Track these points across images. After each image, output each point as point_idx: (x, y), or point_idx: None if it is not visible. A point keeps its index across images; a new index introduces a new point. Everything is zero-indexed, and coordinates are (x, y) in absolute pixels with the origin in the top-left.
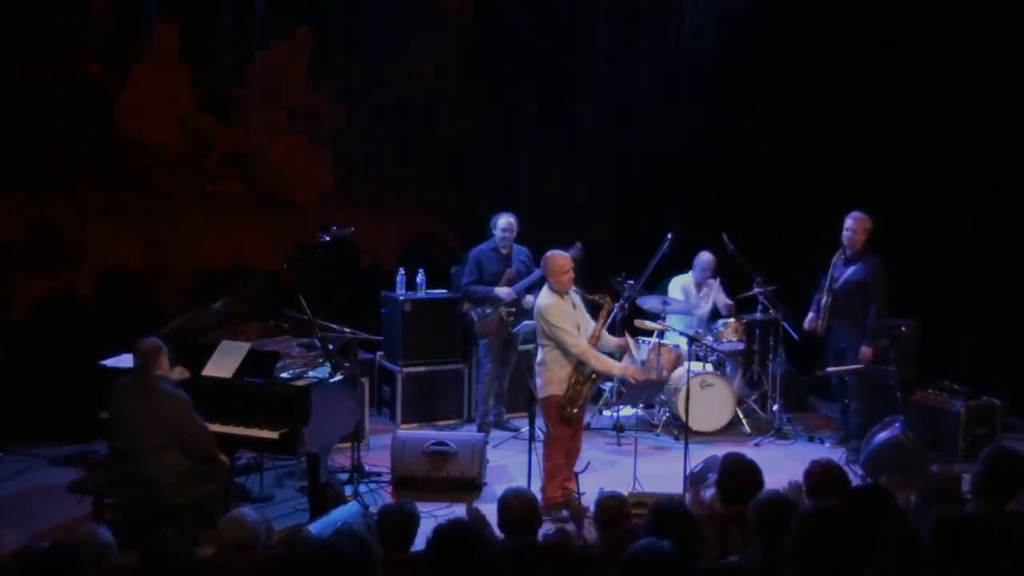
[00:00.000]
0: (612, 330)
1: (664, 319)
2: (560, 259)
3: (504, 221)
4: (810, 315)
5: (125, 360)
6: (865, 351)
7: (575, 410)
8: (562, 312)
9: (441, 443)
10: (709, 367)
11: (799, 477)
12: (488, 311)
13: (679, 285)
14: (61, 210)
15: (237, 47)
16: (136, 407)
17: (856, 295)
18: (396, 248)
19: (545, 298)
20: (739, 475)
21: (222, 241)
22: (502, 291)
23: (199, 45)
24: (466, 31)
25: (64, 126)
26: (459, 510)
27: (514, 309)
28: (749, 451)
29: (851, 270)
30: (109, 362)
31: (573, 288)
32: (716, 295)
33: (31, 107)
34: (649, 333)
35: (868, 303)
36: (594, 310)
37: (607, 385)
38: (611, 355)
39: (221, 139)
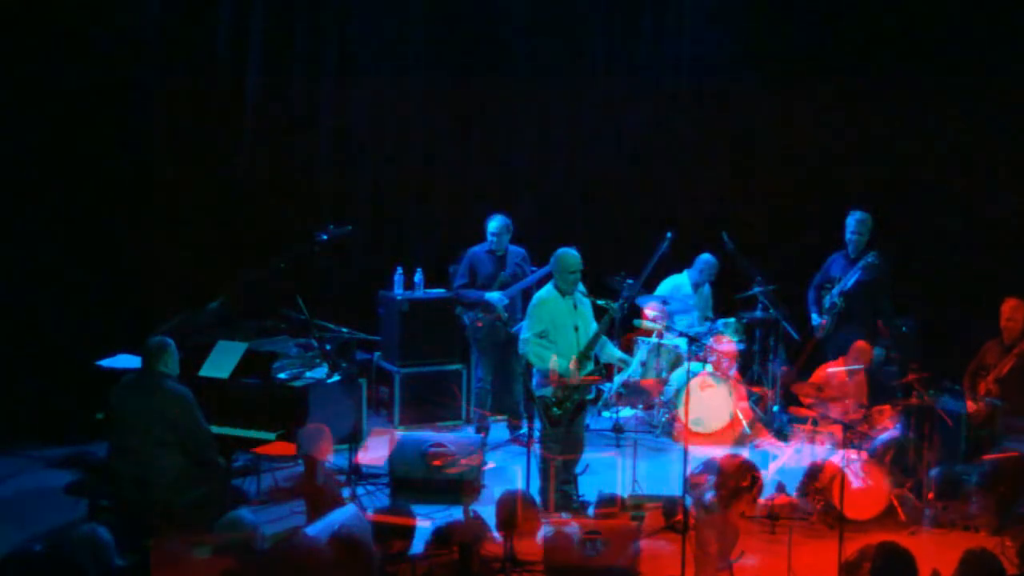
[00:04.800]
0: (610, 333)
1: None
2: (570, 258)
3: (496, 223)
4: (818, 320)
5: (122, 360)
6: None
7: (560, 411)
8: (549, 311)
9: (439, 444)
10: (709, 368)
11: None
12: (480, 316)
13: (673, 285)
14: None
15: None
16: (140, 405)
17: (864, 297)
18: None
19: (543, 293)
20: (738, 477)
21: None
22: (494, 296)
23: None
24: None
25: None
26: (457, 512)
27: (507, 315)
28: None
29: (857, 271)
30: (106, 362)
31: (580, 290)
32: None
33: None
34: (648, 334)
35: (876, 303)
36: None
37: (606, 386)
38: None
39: None
